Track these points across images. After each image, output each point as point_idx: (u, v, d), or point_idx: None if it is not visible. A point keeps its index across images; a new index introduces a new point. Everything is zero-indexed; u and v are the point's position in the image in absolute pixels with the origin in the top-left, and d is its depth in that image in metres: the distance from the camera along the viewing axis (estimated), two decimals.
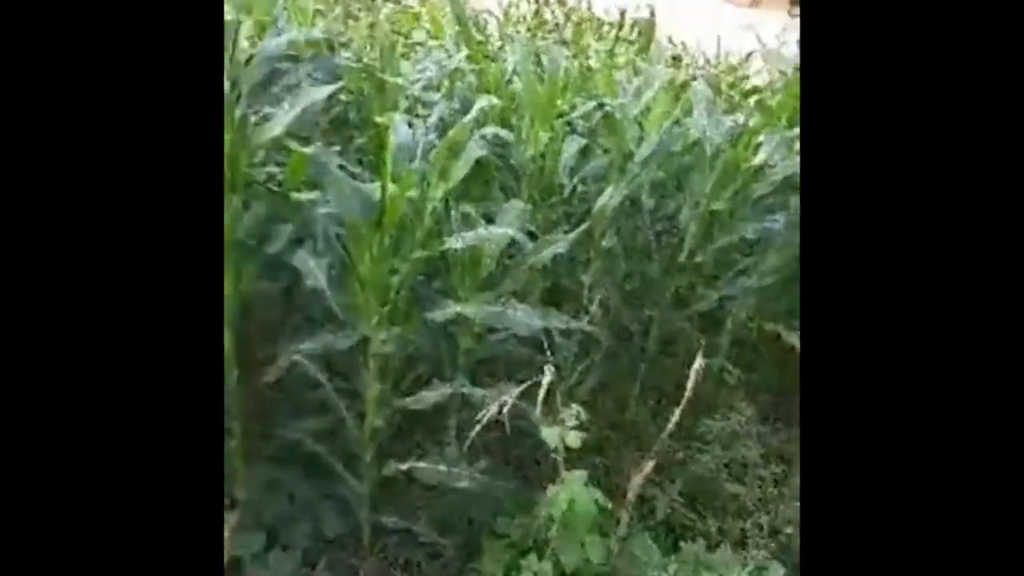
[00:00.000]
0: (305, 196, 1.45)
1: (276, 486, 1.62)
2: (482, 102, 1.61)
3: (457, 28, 2.38)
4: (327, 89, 1.41)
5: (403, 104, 1.91)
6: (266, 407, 1.59)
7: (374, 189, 1.33)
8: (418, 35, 2.71)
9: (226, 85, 1.35)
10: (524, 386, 1.29)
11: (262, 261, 1.50)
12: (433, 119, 1.70)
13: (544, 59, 1.98)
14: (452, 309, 1.41)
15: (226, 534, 1.68)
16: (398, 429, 1.59)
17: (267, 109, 1.60)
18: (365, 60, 2.03)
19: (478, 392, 1.46)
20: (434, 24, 2.70)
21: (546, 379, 1.25)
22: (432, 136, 1.58)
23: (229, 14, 1.93)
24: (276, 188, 1.58)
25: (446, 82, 2.00)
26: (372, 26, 2.62)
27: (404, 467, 1.52)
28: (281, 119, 1.37)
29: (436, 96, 1.98)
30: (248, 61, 1.67)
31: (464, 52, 1.99)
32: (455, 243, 1.35)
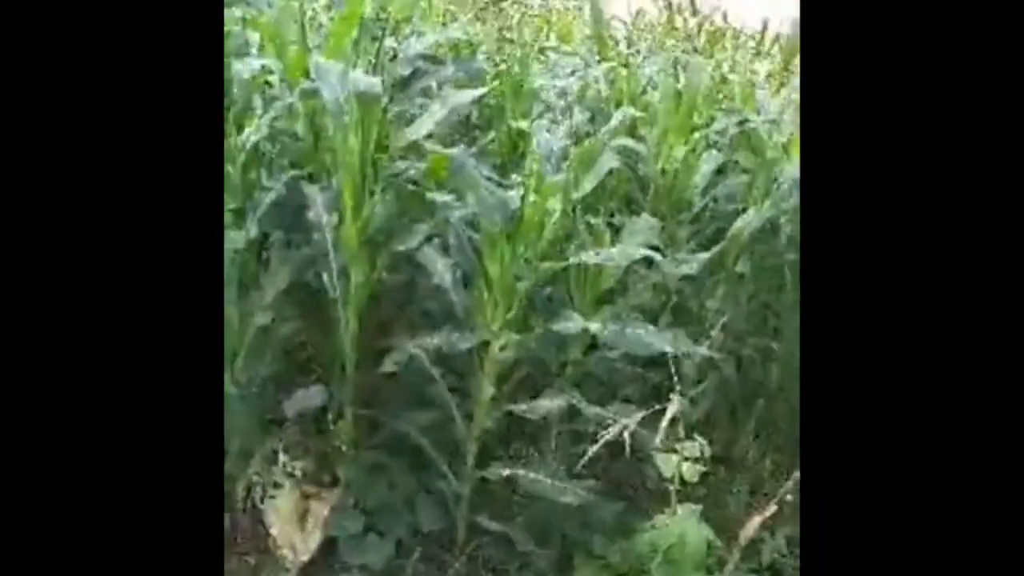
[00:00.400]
0: (440, 197, 1.47)
1: (379, 473, 1.66)
2: (620, 114, 1.58)
3: (587, 33, 2.35)
4: (475, 93, 1.42)
5: (535, 110, 1.90)
6: (379, 396, 1.63)
7: (512, 195, 1.32)
8: (543, 39, 2.70)
9: (378, 81, 1.39)
10: (647, 412, 1.24)
11: (392, 255, 1.54)
12: (567, 127, 1.68)
13: (679, 70, 1.92)
14: (578, 323, 1.38)
15: (325, 512, 1.74)
16: (505, 432, 1.58)
17: (404, 106, 1.64)
18: (499, 64, 2.05)
19: (592, 409, 1.42)
20: (564, 30, 2.69)
21: (672, 407, 1.20)
22: (564, 143, 1.57)
23: (370, 11, 1.98)
24: (408, 185, 1.62)
25: (577, 89, 1.98)
26: (501, 30, 2.65)
27: (506, 472, 1.51)
28: (428, 119, 1.39)
29: (564, 102, 1.96)
30: (393, 58, 1.72)
31: (606, 65, 1.96)
32: (588, 258, 1.32)
